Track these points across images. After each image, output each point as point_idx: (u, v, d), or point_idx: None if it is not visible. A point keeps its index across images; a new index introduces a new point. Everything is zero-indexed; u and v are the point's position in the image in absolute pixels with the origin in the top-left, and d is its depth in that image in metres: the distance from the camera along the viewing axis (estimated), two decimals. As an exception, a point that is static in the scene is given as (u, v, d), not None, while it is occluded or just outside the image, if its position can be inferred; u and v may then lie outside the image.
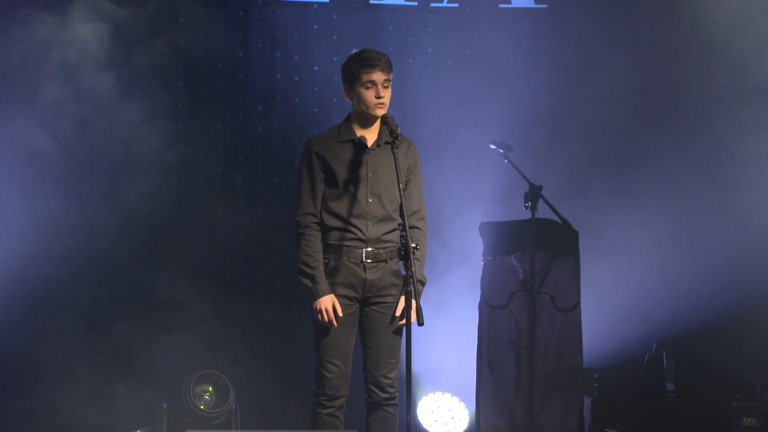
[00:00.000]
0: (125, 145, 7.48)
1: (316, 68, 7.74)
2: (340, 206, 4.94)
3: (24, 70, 7.40)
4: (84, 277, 7.51)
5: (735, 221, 7.56)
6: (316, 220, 4.96)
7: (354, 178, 4.94)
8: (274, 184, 7.78)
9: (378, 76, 4.88)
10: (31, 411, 7.34)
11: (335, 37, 7.77)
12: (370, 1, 7.83)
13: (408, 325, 4.56)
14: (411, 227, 4.98)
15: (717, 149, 7.67)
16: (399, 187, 4.76)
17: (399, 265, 4.95)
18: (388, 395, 4.96)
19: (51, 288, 7.45)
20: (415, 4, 7.86)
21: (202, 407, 6.92)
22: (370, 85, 4.88)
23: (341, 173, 4.95)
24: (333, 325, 4.89)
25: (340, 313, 4.89)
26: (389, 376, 4.96)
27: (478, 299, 6.56)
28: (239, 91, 7.74)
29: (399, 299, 4.96)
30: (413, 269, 4.53)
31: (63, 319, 7.42)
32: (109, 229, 7.43)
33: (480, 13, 7.87)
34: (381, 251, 4.94)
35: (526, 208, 6.54)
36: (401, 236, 4.58)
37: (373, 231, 4.93)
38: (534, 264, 6.48)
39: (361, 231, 4.91)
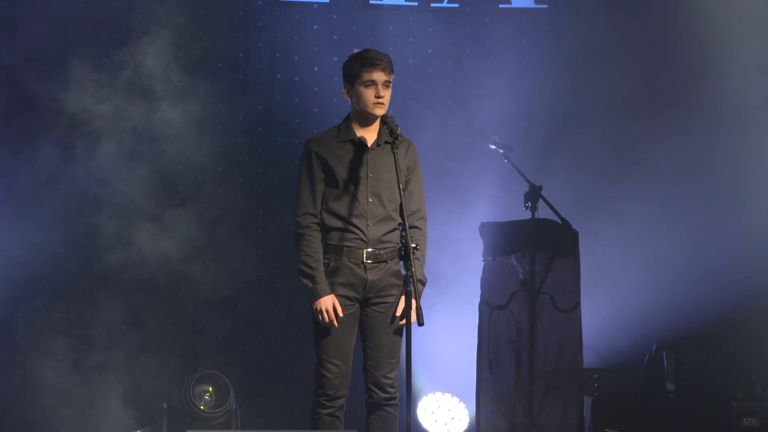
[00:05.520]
0: (124, 145, 7.47)
1: (316, 68, 7.74)
2: (341, 206, 4.94)
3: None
4: (84, 277, 7.51)
5: (735, 221, 7.56)
6: (316, 221, 4.96)
7: (354, 178, 4.94)
8: (274, 184, 7.78)
9: (379, 76, 4.88)
10: (31, 410, 7.33)
11: (335, 37, 7.77)
12: (370, 1, 7.83)
13: (408, 325, 4.56)
14: (411, 227, 4.99)
15: (717, 148, 7.67)
16: (399, 187, 4.76)
17: (399, 266, 4.95)
18: (388, 395, 4.96)
19: (51, 288, 7.45)
20: (415, 4, 7.86)
21: (202, 407, 6.92)
22: (370, 84, 4.89)
23: (341, 173, 4.95)
24: (333, 325, 4.89)
25: (341, 313, 4.89)
26: (389, 376, 4.96)
27: (478, 299, 6.56)
28: (239, 91, 7.74)
29: (399, 299, 4.96)
30: (413, 269, 4.53)
31: (63, 320, 7.42)
32: (110, 229, 7.43)
33: (480, 13, 7.87)
34: (381, 252, 4.94)
35: (526, 208, 6.54)
36: (401, 236, 4.58)
37: (374, 231, 4.93)
38: (534, 264, 6.48)
39: (361, 231, 4.91)
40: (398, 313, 4.95)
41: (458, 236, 7.39)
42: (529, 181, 6.56)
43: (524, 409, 6.40)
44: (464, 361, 6.94)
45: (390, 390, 4.97)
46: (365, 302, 4.97)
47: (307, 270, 4.91)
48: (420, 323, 4.44)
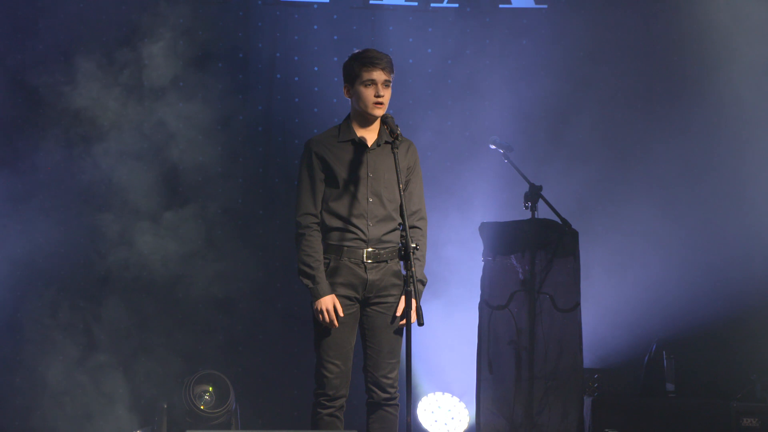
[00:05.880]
0: (123, 144, 7.47)
1: (316, 68, 7.74)
2: (341, 206, 4.94)
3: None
4: (84, 277, 7.51)
5: (735, 221, 7.57)
6: (317, 221, 4.96)
7: (354, 178, 4.94)
8: (274, 184, 7.78)
9: (378, 75, 4.88)
10: (31, 410, 7.33)
11: (335, 37, 7.77)
12: (370, 1, 7.83)
13: (408, 325, 4.56)
14: (411, 227, 4.99)
15: (717, 149, 7.68)
16: (399, 187, 4.76)
17: (399, 265, 4.96)
18: (388, 395, 4.96)
19: (51, 288, 7.45)
20: (415, 4, 7.86)
21: (202, 407, 6.92)
22: (369, 83, 4.89)
23: (341, 173, 4.95)
24: (334, 325, 4.89)
25: (341, 313, 4.89)
26: (389, 376, 4.96)
27: (478, 299, 6.56)
28: (239, 91, 7.74)
29: (399, 299, 4.96)
30: (413, 269, 4.53)
31: (63, 320, 7.42)
32: (109, 230, 7.43)
33: (480, 13, 7.87)
34: (382, 251, 4.94)
35: (526, 208, 6.54)
36: (401, 236, 4.58)
37: (374, 231, 4.93)
38: (534, 264, 6.48)
39: (362, 231, 4.92)
40: (398, 313, 4.95)
41: (458, 236, 7.39)
42: (529, 181, 6.56)
43: (524, 409, 6.40)
44: (464, 361, 6.94)
45: (390, 390, 4.97)
46: (365, 302, 4.97)
47: (308, 270, 4.91)
48: (420, 323, 4.44)
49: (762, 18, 7.61)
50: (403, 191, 4.80)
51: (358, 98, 4.93)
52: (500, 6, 7.89)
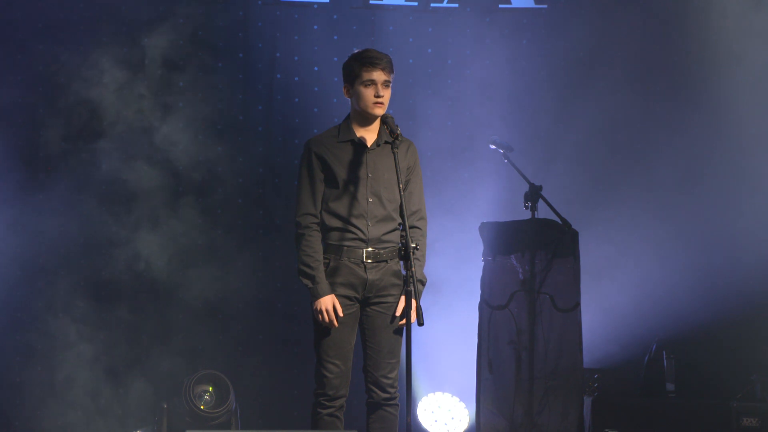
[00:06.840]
0: (123, 144, 7.48)
1: (316, 68, 7.74)
2: (340, 206, 4.94)
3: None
4: (83, 278, 7.51)
5: (735, 221, 7.56)
6: (316, 221, 4.96)
7: (354, 178, 4.95)
8: (274, 184, 7.78)
9: (378, 76, 4.88)
10: (32, 410, 7.34)
11: (335, 37, 7.77)
12: (370, 1, 7.83)
13: (408, 325, 4.56)
14: (411, 227, 4.99)
15: (718, 148, 7.67)
16: (399, 187, 4.76)
17: (399, 265, 4.96)
18: (388, 395, 4.96)
19: (51, 289, 7.44)
20: (415, 4, 7.86)
21: (202, 407, 6.92)
22: (369, 84, 4.89)
23: (341, 173, 4.95)
24: (333, 325, 4.89)
25: (341, 313, 4.90)
26: (389, 376, 4.96)
27: (478, 299, 6.56)
28: (239, 91, 7.74)
29: (399, 299, 4.96)
30: (413, 269, 4.53)
31: (62, 320, 7.42)
32: (109, 229, 7.43)
33: (480, 13, 7.87)
34: (381, 251, 4.94)
35: (526, 208, 6.54)
36: (401, 236, 4.59)
37: (374, 231, 4.93)
38: (534, 264, 6.48)
39: (361, 231, 4.92)
40: (398, 312, 4.95)
41: (458, 236, 7.39)
42: (529, 181, 6.56)
43: (524, 409, 6.40)
44: (464, 361, 6.94)
45: (390, 390, 4.97)
46: (365, 302, 4.97)
47: (308, 270, 4.91)
48: (420, 323, 4.44)
49: (764, 22, 7.60)
50: (403, 191, 4.80)
51: (357, 98, 4.94)
52: (500, 6, 7.89)
